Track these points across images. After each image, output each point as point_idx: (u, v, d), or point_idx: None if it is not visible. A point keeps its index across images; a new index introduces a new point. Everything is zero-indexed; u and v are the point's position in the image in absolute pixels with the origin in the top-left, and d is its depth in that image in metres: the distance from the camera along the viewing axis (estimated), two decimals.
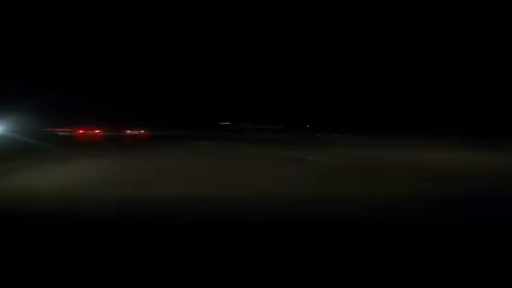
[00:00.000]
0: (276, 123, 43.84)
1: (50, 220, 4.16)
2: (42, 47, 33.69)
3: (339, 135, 31.90)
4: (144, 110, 38.72)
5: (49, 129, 25.76)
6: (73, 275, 2.85)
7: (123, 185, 7.30)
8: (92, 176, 8.50)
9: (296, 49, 43.64)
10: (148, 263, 3.00)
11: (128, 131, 33.12)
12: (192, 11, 41.81)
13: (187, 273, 2.90)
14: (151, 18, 41.58)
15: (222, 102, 45.58)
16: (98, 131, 30.78)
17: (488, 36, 34.49)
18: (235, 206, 5.36)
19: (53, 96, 24.02)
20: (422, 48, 38.57)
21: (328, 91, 42.12)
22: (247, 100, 44.51)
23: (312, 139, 28.18)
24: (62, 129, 28.32)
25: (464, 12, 34.67)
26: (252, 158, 14.07)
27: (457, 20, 35.25)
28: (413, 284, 2.78)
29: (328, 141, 24.73)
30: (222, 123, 44.40)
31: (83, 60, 37.23)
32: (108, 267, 2.97)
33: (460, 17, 35.14)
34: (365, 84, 40.78)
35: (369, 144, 21.02)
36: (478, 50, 34.98)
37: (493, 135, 24.95)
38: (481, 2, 34.17)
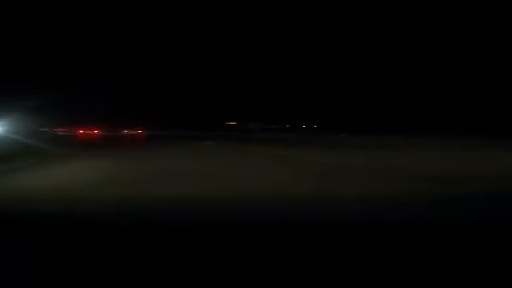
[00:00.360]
0: (283, 123, 43.75)
1: (50, 220, 4.15)
2: (42, 46, 33.64)
3: (345, 135, 31.71)
4: (144, 110, 38.62)
5: (48, 129, 25.81)
6: (73, 275, 2.83)
7: (122, 185, 7.27)
8: (91, 176, 8.48)
9: (299, 48, 43.49)
10: (148, 263, 2.98)
11: (127, 131, 33.10)
12: (192, 11, 41.81)
13: (187, 272, 2.88)
14: (151, 18, 41.51)
15: (228, 103, 45.40)
16: (97, 131, 30.76)
17: (488, 36, 34.54)
18: (235, 206, 5.33)
19: (52, 97, 24.00)
20: (422, 48, 38.57)
21: (334, 91, 41.83)
22: (254, 100, 44.32)
23: (317, 139, 28.02)
24: (61, 129, 28.35)
25: (465, 12, 34.73)
26: (257, 158, 14.03)
27: (458, 20, 35.31)
28: (418, 283, 2.76)
29: (335, 141, 24.53)
30: (227, 123, 44.28)
31: (82, 60, 37.19)
32: (108, 267, 2.96)
33: (461, 17, 35.18)
34: (365, 84, 40.77)
35: (373, 144, 20.79)
36: (478, 50, 35.01)
37: (493, 135, 24.90)
38: (481, 2, 34.22)
